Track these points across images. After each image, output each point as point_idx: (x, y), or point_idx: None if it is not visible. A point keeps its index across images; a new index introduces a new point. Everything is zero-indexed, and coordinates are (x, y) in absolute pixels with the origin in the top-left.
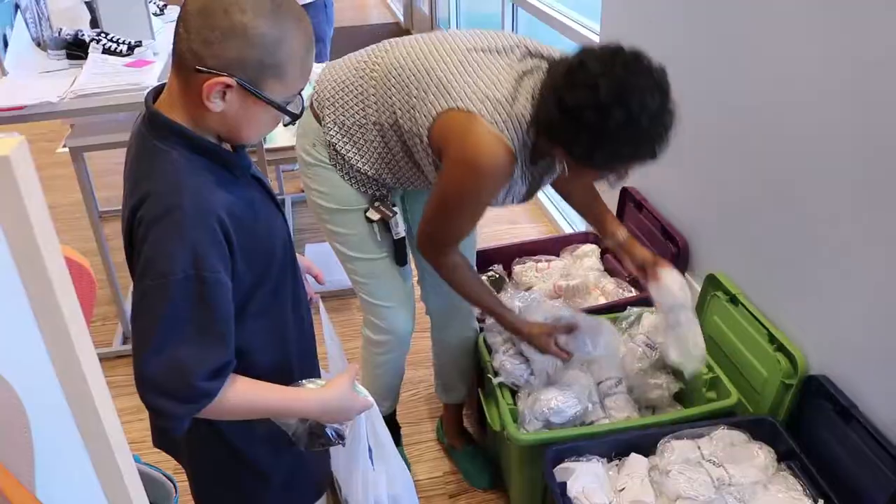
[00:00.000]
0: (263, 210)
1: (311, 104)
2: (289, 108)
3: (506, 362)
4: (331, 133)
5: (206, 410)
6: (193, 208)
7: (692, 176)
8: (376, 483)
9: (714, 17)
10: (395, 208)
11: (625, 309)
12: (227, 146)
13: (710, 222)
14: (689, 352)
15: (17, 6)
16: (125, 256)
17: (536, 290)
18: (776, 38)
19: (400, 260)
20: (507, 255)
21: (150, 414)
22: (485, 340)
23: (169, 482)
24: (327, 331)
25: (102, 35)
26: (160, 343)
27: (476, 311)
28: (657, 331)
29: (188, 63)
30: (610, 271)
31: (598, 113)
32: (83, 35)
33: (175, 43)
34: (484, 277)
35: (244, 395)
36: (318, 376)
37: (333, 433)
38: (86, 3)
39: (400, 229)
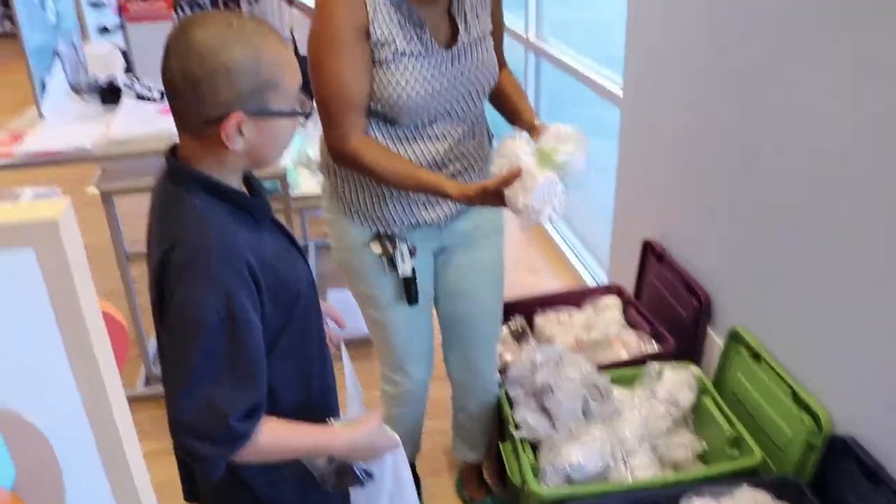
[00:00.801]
0: (285, 253)
1: (319, 167)
2: (297, 108)
3: (528, 416)
4: (331, 179)
5: (243, 452)
6: (221, 251)
7: (715, 228)
8: None
9: (737, 72)
10: (404, 252)
11: (645, 364)
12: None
13: (734, 276)
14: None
15: (56, 53)
16: (151, 304)
17: (558, 342)
18: (803, 87)
19: (410, 297)
20: (529, 307)
21: (182, 459)
22: (507, 393)
23: None
24: (348, 372)
25: (135, 81)
26: (194, 386)
27: (496, 377)
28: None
29: (193, 122)
30: (632, 324)
31: None
32: (117, 81)
33: (172, 109)
34: (505, 329)
35: (277, 434)
36: (338, 415)
37: (362, 472)
38: (120, 50)
39: (406, 268)
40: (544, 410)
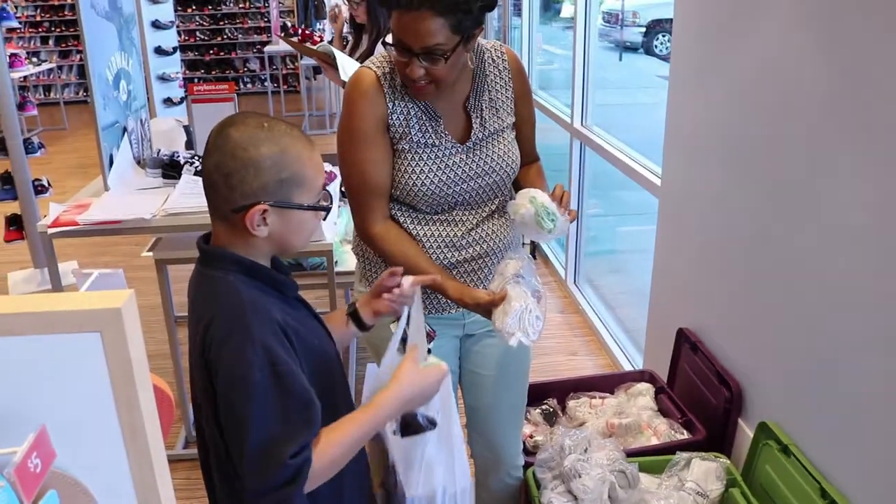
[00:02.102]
0: (313, 327)
1: (353, 249)
2: (320, 203)
3: (554, 500)
4: (361, 262)
5: (311, 476)
6: (256, 315)
7: (748, 320)
8: (433, 466)
9: (775, 167)
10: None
11: (674, 453)
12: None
13: (765, 368)
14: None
15: (124, 129)
16: (190, 373)
17: (589, 426)
18: (830, 181)
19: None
20: (562, 390)
21: None
22: (534, 475)
23: None
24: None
25: (196, 158)
26: (254, 441)
27: (520, 460)
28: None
29: (224, 210)
30: (663, 412)
31: None
32: (178, 157)
33: (208, 200)
34: (537, 411)
35: (329, 448)
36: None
37: (424, 420)
38: (184, 126)
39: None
40: (571, 494)
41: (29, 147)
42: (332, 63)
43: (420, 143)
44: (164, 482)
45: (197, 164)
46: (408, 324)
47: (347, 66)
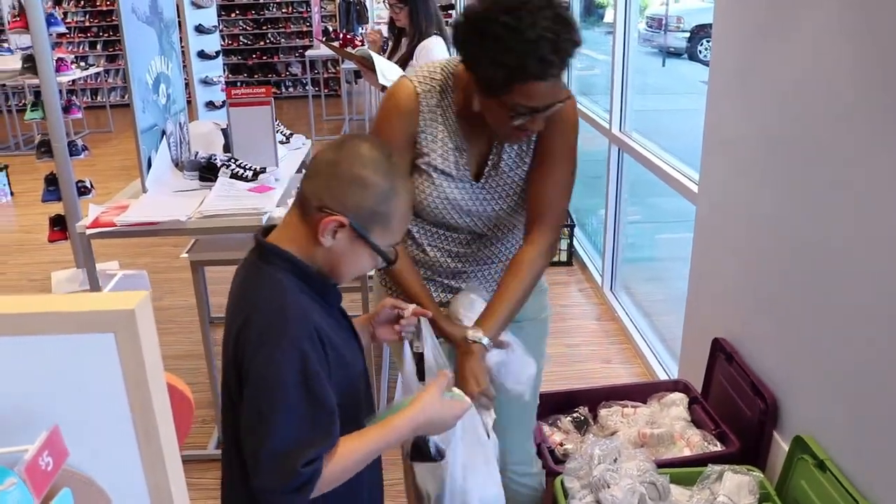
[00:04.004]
0: (348, 341)
1: None
2: (388, 252)
3: None
4: None
5: (319, 484)
6: (296, 318)
7: (785, 331)
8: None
9: (814, 173)
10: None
11: (706, 465)
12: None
13: (802, 381)
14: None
15: (163, 132)
16: (222, 368)
17: (620, 436)
18: (873, 188)
19: (420, 373)
20: (594, 398)
21: None
22: (562, 484)
23: None
24: (430, 346)
25: (232, 161)
26: (277, 442)
27: (534, 469)
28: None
29: (311, 202)
30: (696, 422)
31: (489, 20)
32: (215, 159)
33: (302, 185)
34: (568, 419)
35: (341, 459)
36: None
37: (435, 448)
38: (221, 129)
39: (419, 344)
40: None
41: (73, 149)
42: (370, 66)
43: (437, 169)
44: (177, 485)
45: (234, 166)
46: (416, 351)
47: (386, 69)
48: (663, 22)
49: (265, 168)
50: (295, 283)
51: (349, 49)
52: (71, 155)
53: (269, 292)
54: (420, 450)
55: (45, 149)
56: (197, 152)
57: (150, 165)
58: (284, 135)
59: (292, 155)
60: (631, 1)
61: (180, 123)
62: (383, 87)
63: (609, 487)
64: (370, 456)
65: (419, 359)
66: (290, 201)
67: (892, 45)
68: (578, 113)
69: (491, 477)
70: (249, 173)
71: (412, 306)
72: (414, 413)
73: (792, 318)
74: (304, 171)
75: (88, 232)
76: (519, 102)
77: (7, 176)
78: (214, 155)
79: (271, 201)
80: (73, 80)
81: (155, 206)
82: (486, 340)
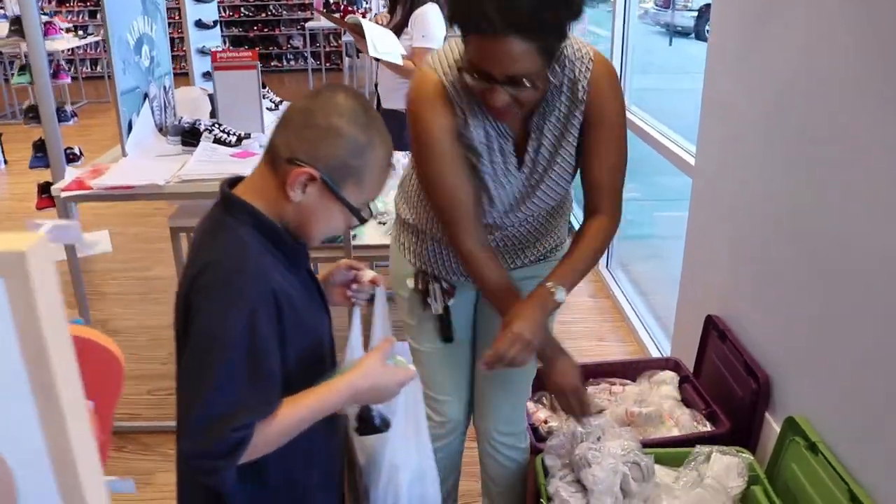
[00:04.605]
0: (313, 306)
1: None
2: (360, 210)
3: (561, 489)
4: (398, 215)
5: (247, 454)
6: (253, 277)
7: (780, 309)
8: (398, 471)
9: (811, 150)
10: (436, 291)
11: (694, 446)
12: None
13: (797, 360)
14: None
15: (145, 95)
16: (174, 321)
17: (606, 414)
18: (872, 163)
19: (442, 335)
20: (582, 374)
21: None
22: (542, 462)
23: None
24: (379, 314)
25: (216, 125)
26: (210, 402)
27: (523, 442)
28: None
29: (280, 153)
30: (686, 402)
31: None
32: (199, 124)
33: (272, 135)
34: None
35: (277, 421)
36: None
37: (380, 419)
38: (209, 95)
39: (437, 306)
40: (580, 485)
41: (62, 116)
42: (362, 34)
43: (489, 161)
44: (82, 446)
45: (217, 131)
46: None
47: (377, 38)
48: (670, 0)
49: (249, 134)
50: (258, 240)
51: (337, 16)
52: (60, 121)
53: (229, 247)
54: (365, 421)
55: (32, 114)
56: (181, 117)
57: (130, 129)
58: (273, 101)
59: None
60: None
61: (165, 87)
62: (373, 58)
63: (590, 467)
64: (307, 420)
65: (439, 320)
66: None
67: (890, 23)
68: (615, 78)
69: (423, 450)
70: (233, 139)
71: (370, 273)
72: (354, 377)
73: (787, 295)
74: None
75: (64, 195)
76: (471, 59)
77: (0, 144)
78: (199, 120)
79: (252, 166)
80: (73, 50)
81: (134, 170)
82: (561, 294)
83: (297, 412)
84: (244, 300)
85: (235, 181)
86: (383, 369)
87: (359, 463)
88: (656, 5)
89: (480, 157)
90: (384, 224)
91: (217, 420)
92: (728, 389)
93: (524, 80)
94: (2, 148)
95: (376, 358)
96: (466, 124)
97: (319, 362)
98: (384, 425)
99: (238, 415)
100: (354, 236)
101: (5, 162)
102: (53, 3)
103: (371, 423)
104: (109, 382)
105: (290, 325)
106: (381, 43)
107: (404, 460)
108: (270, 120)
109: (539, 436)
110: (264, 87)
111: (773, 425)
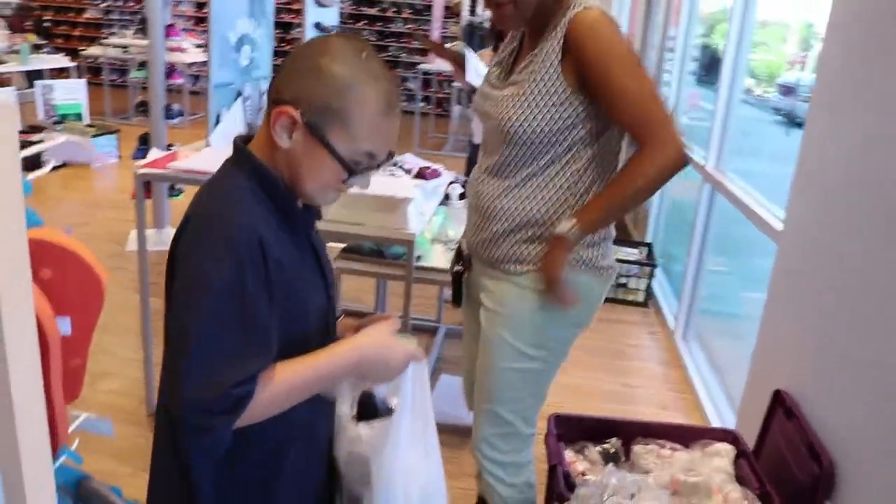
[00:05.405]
0: (306, 273)
1: None
2: (356, 177)
3: None
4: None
5: (246, 415)
6: (240, 223)
7: (858, 390)
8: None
9: None
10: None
11: None
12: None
13: (868, 448)
14: None
15: (239, 93)
16: (166, 268)
17: (650, 478)
18: None
19: (452, 294)
20: (631, 432)
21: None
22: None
23: None
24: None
25: None
26: (198, 356)
27: (521, 475)
28: None
29: (271, 96)
30: (740, 479)
31: None
32: None
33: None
34: (597, 449)
35: (277, 382)
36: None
37: (382, 404)
38: None
39: (456, 267)
40: None
41: (169, 113)
42: (461, 63)
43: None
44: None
45: None
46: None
47: (480, 68)
48: (792, 90)
49: None
50: (254, 191)
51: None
52: (167, 118)
53: (222, 195)
54: (366, 406)
55: (143, 108)
56: None
57: (217, 122)
58: None
59: None
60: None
61: (261, 90)
62: (471, 87)
63: None
64: (309, 387)
65: (453, 280)
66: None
67: None
68: (599, 21)
69: (432, 454)
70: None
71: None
72: (361, 341)
73: (866, 377)
74: None
75: (140, 171)
76: None
77: (118, 140)
78: None
79: None
80: (193, 63)
81: (212, 158)
82: (573, 230)
83: (299, 372)
84: (230, 248)
85: (250, 137)
86: (391, 339)
87: (346, 479)
88: (779, 93)
89: None
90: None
91: (215, 373)
92: (788, 471)
93: None
94: (118, 143)
95: (384, 326)
96: None
97: (304, 341)
98: (387, 410)
99: (234, 368)
100: (419, 257)
101: (119, 156)
102: (191, 23)
103: (374, 407)
104: (89, 300)
105: (276, 283)
106: (482, 72)
107: (414, 466)
108: None
109: (570, 485)
110: None
111: None
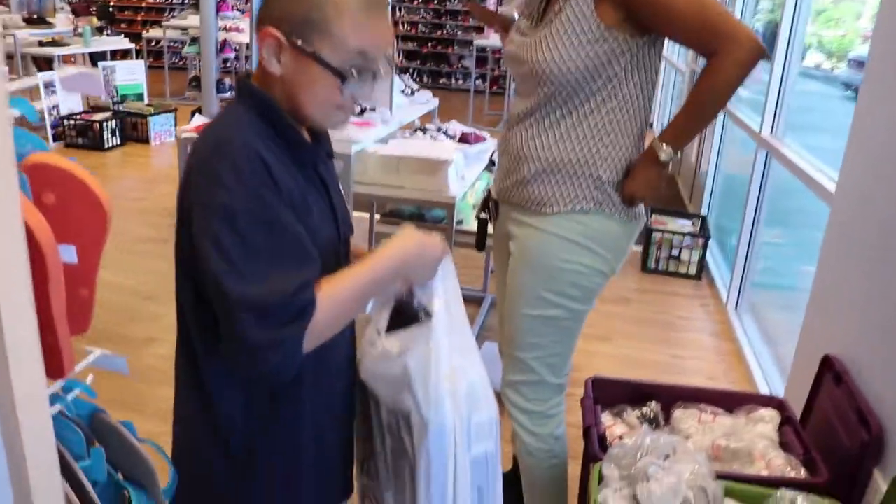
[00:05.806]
0: (317, 206)
1: None
2: (353, 84)
3: (610, 500)
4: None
5: (314, 331)
6: (240, 146)
7: None
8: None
9: None
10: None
11: (777, 488)
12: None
13: None
14: None
15: None
16: (177, 202)
17: (691, 444)
18: None
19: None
20: (671, 396)
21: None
22: (600, 470)
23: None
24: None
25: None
26: (247, 280)
27: (550, 425)
28: None
29: (257, 25)
30: (784, 445)
31: None
32: None
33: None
34: (636, 412)
35: (331, 292)
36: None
37: (420, 307)
38: None
39: (484, 214)
40: (635, 501)
41: (220, 87)
42: (508, 28)
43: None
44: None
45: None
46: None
47: None
48: (863, 64)
49: (374, 108)
50: (253, 123)
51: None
52: (218, 92)
53: (225, 126)
54: (403, 311)
55: (195, 83)
56: None
57: None
58: (412, 89)
59: (412, 109)
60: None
61: None
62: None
63: (648, 482)
64: (365, 293)
65: (479, 225)
66: (393, 142)
67: None
68: None
69: (477, 361)
70: (357, 108)
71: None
72: (399, 241)
73: None
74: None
75: (184, 135)
76: None
77: (175, 119)
78: None
79: (365, 135)
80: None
81: None
82: (667, 153)
83: (352, 279)
84: (236, 171)
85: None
86: (423, 233)
87: (377, 397)
88: (849, 68)
89: None
90: None
91: (270, 289)
92: (835, 438)
93: None
94: (175, 122)
95: (408, 227)
96: None
97: (326, 265)
98: (426, 314)
99: (287, 278)
100: (460, 221)
101: (176, 136)
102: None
103: (412, 311)
104: (94, 227)
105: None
106: None
107: (458, 365)
108: (402, 102)
109: (604, 447)
110: (405, 72)
111: (881, 484)
